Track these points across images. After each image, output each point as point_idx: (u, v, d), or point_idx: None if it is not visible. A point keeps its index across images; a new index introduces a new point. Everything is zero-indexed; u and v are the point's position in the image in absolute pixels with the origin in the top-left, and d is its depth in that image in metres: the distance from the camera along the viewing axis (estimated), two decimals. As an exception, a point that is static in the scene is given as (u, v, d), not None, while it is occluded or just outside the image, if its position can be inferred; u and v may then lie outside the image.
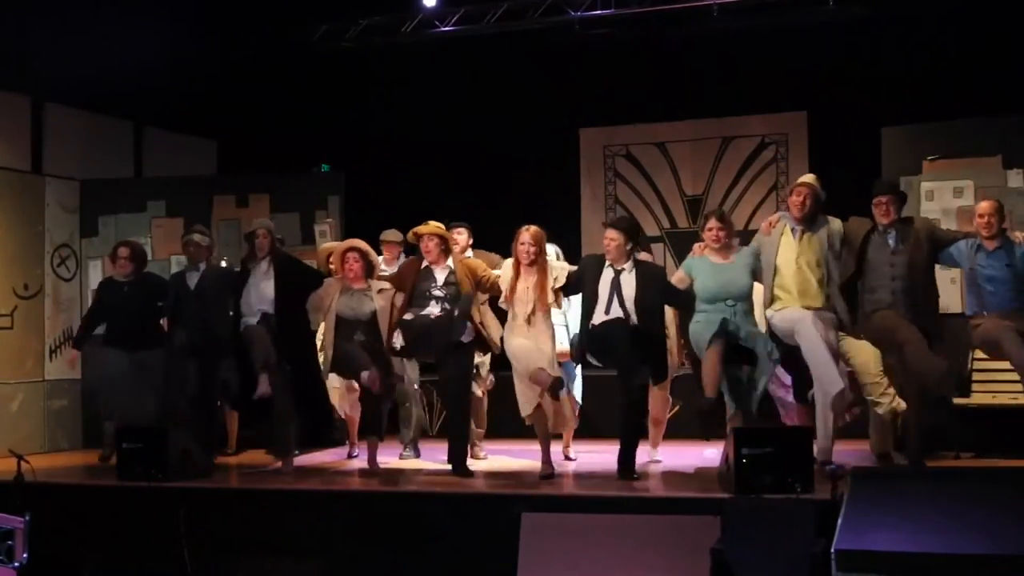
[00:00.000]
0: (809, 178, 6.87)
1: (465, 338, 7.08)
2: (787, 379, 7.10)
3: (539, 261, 6.94)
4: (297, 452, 7.81)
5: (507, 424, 7.94)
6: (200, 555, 6.37)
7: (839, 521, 5.05)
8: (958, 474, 6.22)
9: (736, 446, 5.85)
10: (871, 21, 9.40)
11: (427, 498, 6.55)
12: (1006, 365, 7.43)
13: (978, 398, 7.27)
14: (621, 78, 10.18)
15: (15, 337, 9.03)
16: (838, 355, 6.57)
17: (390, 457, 7.91)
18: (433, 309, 7.12)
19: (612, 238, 6.83)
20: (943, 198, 7.54)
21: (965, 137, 7.99)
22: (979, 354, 7.33)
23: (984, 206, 6.64)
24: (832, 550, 4.91)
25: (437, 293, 7.17)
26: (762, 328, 6.78)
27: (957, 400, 7.36)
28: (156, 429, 7.07)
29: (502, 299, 7.12)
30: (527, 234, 6.92)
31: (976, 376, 7.40)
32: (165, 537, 6.39)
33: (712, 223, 6.88)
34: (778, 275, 6.69)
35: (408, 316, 7.14)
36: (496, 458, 7.95)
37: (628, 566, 5.71)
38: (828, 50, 9.57)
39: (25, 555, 5.81)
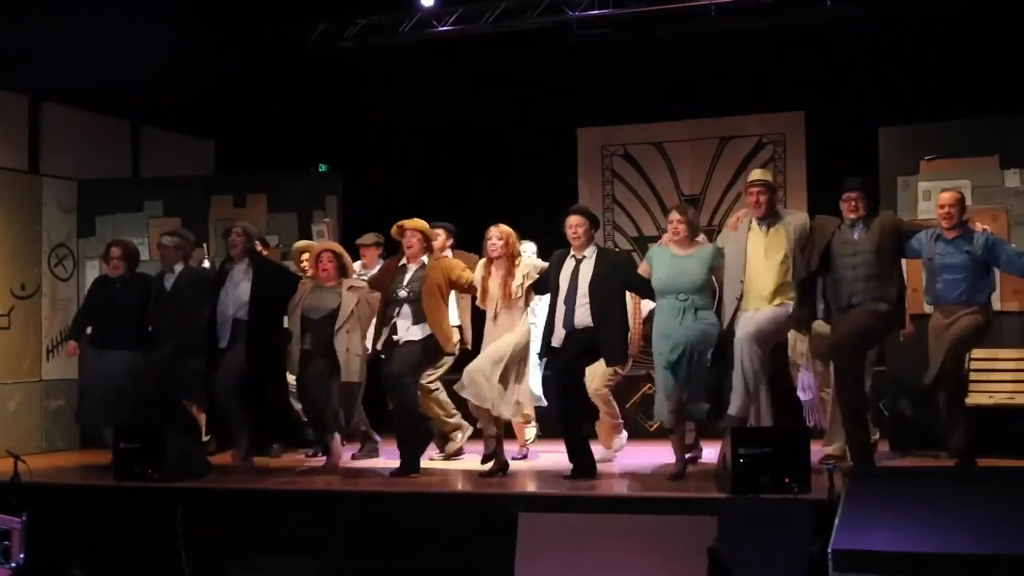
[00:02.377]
0: (758, 174, 6.86)
1: (415, 335, 7.11)
2: (806, 379, 7.16)
3: (506, 257, 6.94)
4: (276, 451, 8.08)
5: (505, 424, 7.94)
6: (197, 555, 6.36)
7: (836, 521, 5.06)
8: (955, 474, 6.22)
9: (733, 446, 5.85)
10: (869, 21, 9.40)
11: (425, 498, 6.55)
12: (1004, 365, 7.48)
13: (975, 398, 7.25)
14: (618, 78, 10.18)
15: (12, 337, 9.02)
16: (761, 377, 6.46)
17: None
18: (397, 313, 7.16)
19: (579, 224, 6.79)
20: (941, 198, 7.53)
21: (962, 137, 7.99)
22: (976, 354, 7.33)
23: (945, 196, 6.70)
24: (829, 550, 4.92)
25: (401, 293, 7.16)
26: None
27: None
28: (153, 429, 7.03)
29: (478, 300, 7.13)
30: (494, 230, 6.98)
31: (973, 376, 7.39)
32: (162, 537, 6.38)
33: (672, 215, 6.79)
34: (748, 267, 6.61)
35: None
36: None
37: (625, 566, 5.71)
38: (826, 50, 9.57)
39: (22, 555, 5.81)
